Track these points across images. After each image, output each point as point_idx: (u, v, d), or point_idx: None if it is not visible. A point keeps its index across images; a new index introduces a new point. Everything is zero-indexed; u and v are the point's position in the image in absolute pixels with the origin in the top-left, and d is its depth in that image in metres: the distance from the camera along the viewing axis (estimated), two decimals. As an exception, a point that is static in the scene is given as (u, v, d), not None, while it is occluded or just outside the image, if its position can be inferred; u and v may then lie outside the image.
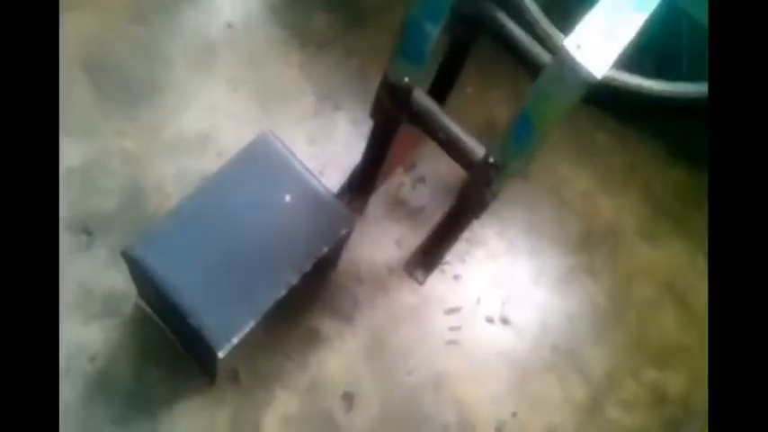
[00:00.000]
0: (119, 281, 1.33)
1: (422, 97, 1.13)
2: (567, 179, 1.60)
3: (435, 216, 1.40)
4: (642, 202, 1.62)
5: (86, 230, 1.38)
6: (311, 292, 1.39)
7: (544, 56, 1.10)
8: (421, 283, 1.45)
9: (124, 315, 1.34)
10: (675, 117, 1.64)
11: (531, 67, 1.12)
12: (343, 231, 1.20)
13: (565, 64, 0.82)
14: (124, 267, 1.20)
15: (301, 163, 1.23)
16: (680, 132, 1.67)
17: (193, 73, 1.55)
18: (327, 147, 1.53)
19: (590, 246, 1.56)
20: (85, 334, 1.31)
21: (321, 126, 1.55)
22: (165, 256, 1.13)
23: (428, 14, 0.96)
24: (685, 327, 1.52)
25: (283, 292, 1.14)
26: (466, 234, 1.44)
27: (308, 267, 1.16)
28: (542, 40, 1.49)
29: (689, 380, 1.48)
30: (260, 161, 1.22)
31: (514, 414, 1.40)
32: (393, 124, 1.23)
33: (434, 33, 0.98)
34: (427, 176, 1.53)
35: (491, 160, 1.05)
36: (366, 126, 1.32)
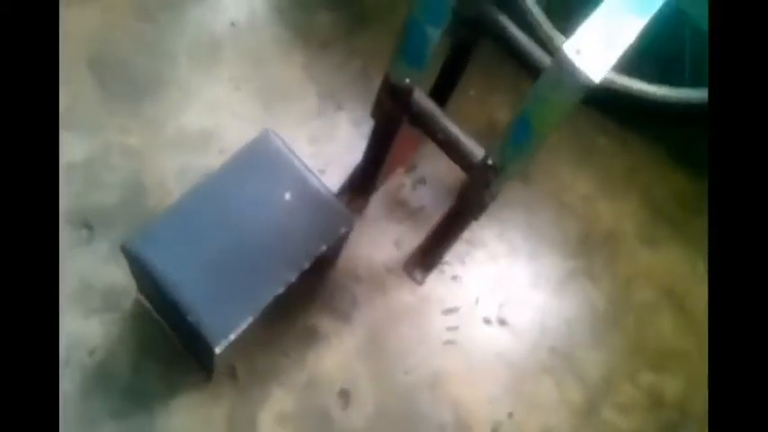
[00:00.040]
0: (119, 275, 1.34)
1: (422, 98, 1.14)
2: (567, 182, 1.61)
3: (435, 217, 1.41)
4: (642, 207, 1.63)
5: (87, 225, 1.39)
6: (310, 290, 1.40)
7: (545, 59, 1.11)
8: (419, 283, 1.45)
9: (124, 310, 1.35)
10: (676, 122, 1.64)
11: (531, 70, 1.13)
12: (342, 230, 1.21)
13: (563, 68, 0.83)
14: (124, 262, 1.21)
15: (302, 162, 1.24)
16: (681, 138, 1.67)
17: (197, 70, 1.55)
18: (329, 146, 1.54)
19: (589, 249, 1.57)
20: (85, 327, 1.32)
21: (323, 125, 1.55)
22: (165, 251, 1.14)
23: (429, 17, 0.97)
24: (683, 331, 1.52)
25: (281, 290, 1.15)
26: (466, 235, 1.45)
27: (306, 265, 1.16)
28: (544, 42, 1.50)
29: (686, 384, 1.48)
30: (261, 159, 1.23)
31: (510, 415, 1.40)
32: (393, 125, 1.23)
33: (435, 36, 0.99)
34: (427, 177, 1.54)
35: (490, 162, 1.06)
36: (367, 126, 1.33)
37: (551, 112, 0.90)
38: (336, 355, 1.40)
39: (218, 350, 1.11)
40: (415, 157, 1.53)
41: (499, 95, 1.63)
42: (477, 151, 1.11)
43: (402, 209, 1.52)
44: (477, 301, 1.48)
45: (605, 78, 1.50)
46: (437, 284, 1.47)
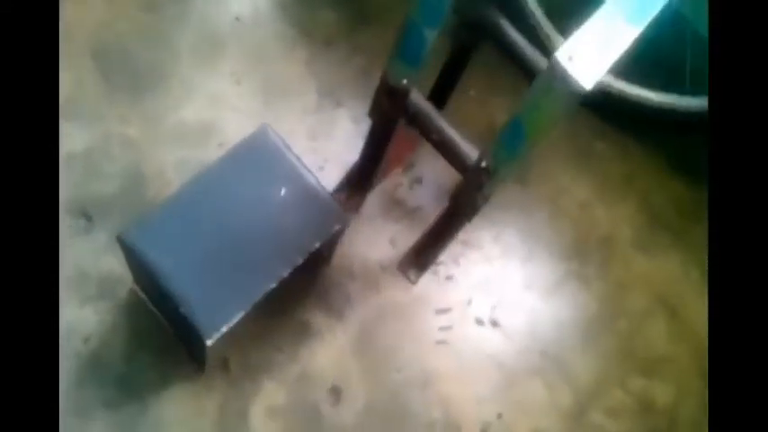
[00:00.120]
0: (115, 265, 1.35)
1: (419, 99, 1.14)
2: (565, 187, 1.61)
3: (431, 217, 1.41)
4: (639, 213, 1.63)
5: (86, 214, 1.41)
6: (304, 286, 1.41)
7: (542, 63, 1.12)
8: (413, 282, 1.46)
9: (119, 299, 1.36)
10: (675, 130, 1.64)
11: (529, 74, 1.13)
12: (336, 228, 1.22)
13: (555, 74, 0.83)
14: (121, 252, 1.23)
15: (298, 158, 1.25)
16: (680, 145, 1.67)
17: (199, 64, 1.56)
18: (328, 143, 1.54)
19: (584, 254, 1.57)
20: (80, 316, 1.34)
21: (322, 122, 1.56)
22: (159, 243, 1.15)
23: (427, 19, 0.97)
24: (676, 338, 1.53)
25: (274, 285, 1.16)
26: (461, 236, 1.45)
27: (299, 261, 1.17)
28: (545, 45, 1.50)
29: (676, 391, 1.48)
30: (257, 154, 1.24)
31: (500, 416, 1.41)
32: (391, 125, 1.24)
33: (432, 37, 1.00)
34: (424, 177, 1.55)
35: (483, 165, 1.07)
36: (367, 124, 1.33)
37: (543, 117, 0.91)
38: (329, 351, 1.41)
39: (209, 342, 1.12)
40: (413, 156, 1.54)
41: (500, 97, 1.63)
42: (471, 153, 1.12)
43: (398, 208, 1.53)
44: (469, 302, 1.48)
45: (606, 84, 1.52)
46: (431, 284, 1.48)
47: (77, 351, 1.31)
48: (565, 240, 1.57)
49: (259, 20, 1.64)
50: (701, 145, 1.60)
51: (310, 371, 1.38)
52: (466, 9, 1.17)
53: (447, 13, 0.97)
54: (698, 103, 1.51)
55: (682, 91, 1.52)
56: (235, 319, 1.13)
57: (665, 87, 1.53)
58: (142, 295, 1.36)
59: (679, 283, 1.57)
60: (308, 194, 1.22)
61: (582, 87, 0.82)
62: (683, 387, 1.49)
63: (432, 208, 1.48)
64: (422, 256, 1.44)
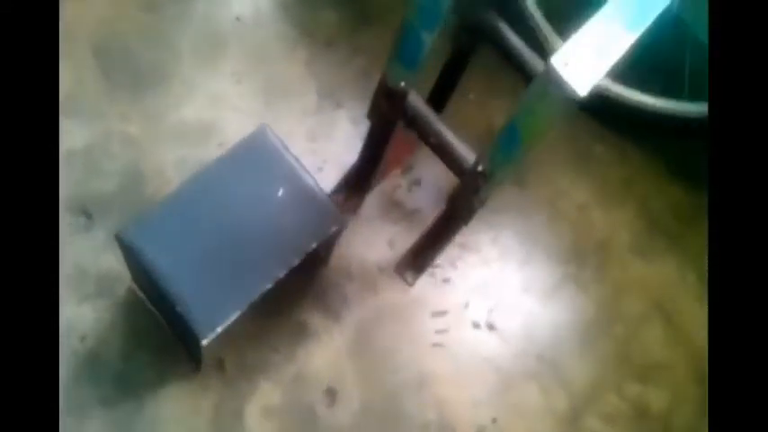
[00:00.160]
0: (114, 264, 1.35)
1: (417, 102, 1.15)
2: (563, 190, 1.61)
3: (429, 219, 1.42)
4: (638, 218, 1.63)
5: (86, 212, 1.41)
6: (301, 286, 1.41)
7: (540, 67, 1.11)
8: (410, 284, 1.46)
9: (117, 297, 1.37)
10: (674, 135, 1.64)
11: (528, 78, 1.13)
12: (333, 229, 1.22)
13: (551, 80, 0.83)
14: (120, 251, 1.23)
15: (296, 159, 1.25)
16: (679, 150, 1.67)
17: (200, 63, 1.57)
18: (327, 144, 1.55)
19: (582, 257, 1.57)
20: (78, 313, 1.34)
21: (322, 123, 1.56)
22: (157, 242, 1.16)
23: (424, 22, 0.98)
24: (672, 344, 1.53)
25: (270, 285, 1.16)
26: (459, 239, 1.46)
27: (295, 262, 1.18)
28: (544, 47, 1.51)
29: (671, 397, 1.48)
30: (256, 155, 1.24)
31: (494, 420, 1.41)
32: (389, 126, 1.25)
33: (430, 40, 1.00)
34: (423, 179, 1.55)
35: (480, 168, 1.07)
36: (366, 125, 1.34)
37: (539, 122, 0.91)
38: (325, 352, 1.41)
39: (204, 342, 1.13)
40: (412, 158, 1.54)
41: (499, 99, 1.63)
42: (468, 156, 1.12)
43: (397, 210, 1.53)
44: (466, 305, 1.49)
45: (604, 88, 1.52)
46: (428, 287, 1.48)
47: (74, 349, 1.32)
48: (563, 243, 1.57)
49: (260, 20, 1.64)
50: (700, 150, 1.60)
51: (306, 371, 1.38)
52: (465, 12, 1.17)
53: (444, 16, 0.97)
54: (697, 108, 1.51)
55: (681, 96, 1.52)
56: (231, 319, 1.14)
57: (664, 92, 1.53)
58: (140, 294, 1.37)
59: (675, 289, 1.57)
60: (305, 195, 1.23)
61: (577, 93, 0.83)
62: (679, 393, 1.49)
63: (430, 210, 1.48)
64: (419, 258, 1.44)
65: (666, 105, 1.52)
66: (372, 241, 1.49)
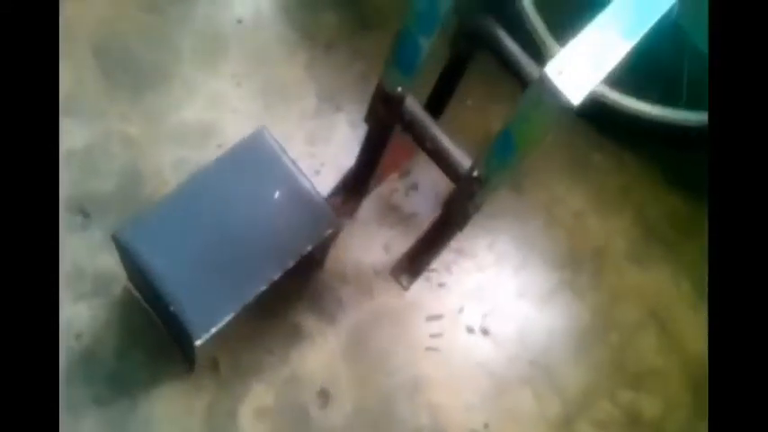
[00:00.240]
0: (110, 263, 1.36)
1: (414, 107, 1.15)
2: (560, 197, 1.62)
3: (425, 223, 1.42)
4: (634, 226, 1.63)
5: (83, 211, 1.42)
6: (296, 288, 1.42)
7: (537, 74, 1.12)
8: (405, 288, 1.47)
9: (113, 296, 1.37)
10: (670, 144, 1.64)
11: (525, 84, 1.14)
12: (328, 232, 1.23)
13: (545, 88, 0.84)
14: (116, 250, 1.24)
15: (294, 162, 1.26)
16: (676, 159, 1.67)
17: (200, 65, 1.58)
18: (325, 147, 1.55)
19: (578, 264, 1.58)
20: (74, 312, 1.35)
21: (321, 126, 1.57)
22: (153, 242, 1.16)
23: (422, 28, 0.98)
24: (665, 352, 1.53)
25: (264, 287, 1.17)
26: (455, 244, 1.46)
27: (290, 264, 1.18)
28: (542, 53, 1.51)
29: (664, 404, 1.49)
30: (253, 157, 1.25)
31: (487, 425, 1.41)
32: (387, 131, 1.25)
33: (427, 46, 1.00)
34: (420, 184, 1.55)
35: (475, 174, 1.07)
36: (364, 129, 1.34)
37: (533, 129, 0.91)
38: (319, 354, 1.41)
39: (198, 342, 1.13)
40: (410, 163, 1.55)
41: (497, 105, 1.63)
42: (464, 162, 1.13)
43: (394, 213, 1.53)
44: (461, 310, 1.49)
45: (602, 95, 1.52)
46: (423, 291, 1.48)
47: (70, 347, 1.33)
48: (559, 249, 1.58)
49: (261, 22, 1.65)
50: (697, 159, 1.62)
51: (300, 373, 1.39)
52: (463, 18, 1.18)
53: (442, 22, 0.97)
54: (694, 116, 1.51)
55: (678, 104, 1.52)
56: (224, 320, 1.14)
57: (661, 100, 1.53)
58: (136, 293, 1.37)
59: (670, 297, 1.58)
60: (301, 198, 1.23)
61: (570, 102, 0.83)
62: (671, 401, 1.49)
63: (427, 215, 1.48)
64: (415, 262, 1.44)
65: (664, 113, 1.53)
66: (368, 245, 1.50)
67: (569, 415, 1.45)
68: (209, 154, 1.42)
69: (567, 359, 1.49)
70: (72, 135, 1.46)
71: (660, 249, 1.62)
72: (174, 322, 1.15)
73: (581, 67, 0.85)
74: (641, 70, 1.29)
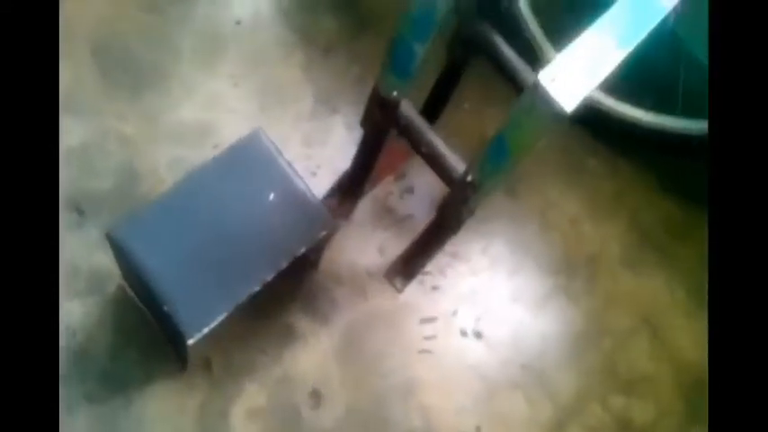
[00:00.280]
0: (105, 261, 1.36)
1: (409, 111, 1.16)
2: (554, 201, 1.62)
3: (420, 226, 1.42)
4: (629, 231, 1.64)
5: (78, 209, 1.42)
6: (290, 289, 1.42)
7: (532, 80, 1.13)
8: (399, 290, 1.47)
9: (107, 294, 1.38)
10: (665, 151, 1.65)
11: (520, 91, 1.15)
12: (323, 233, 1.23)
13: (537, 95, 0.84)
14: (111, 248, 1.24)
15: (289, 164, 1.26)
16: (671, 165, 1.68)
17: (199, 65, 1.58)
18: (322, 149, 1.56)
19: (572, 269, 1.58)
20: (68, 309, 1.35)
21: (317, 128, 1.58)
22: (147, 241, 1.17)
23: (417, 34, 0.99)
24: (657, 358, 1.53)
25: (258, 288, 1.17)
26: (449, 248, 1.47)
27: (284, 265, 1.19)
28: (539, 59, 1.52)
29: (655, 411, 1.49)
30: (249, 157, 1.25)
31: (478, 428, 1.42)
32: (382, 135, 1.26)
33: (422, 51, 1.01)
34: (416, 187, 1.56)
35: (469, 178, 1.08)
36: (361, 132, 1.34)
37: (526, 135, 0.92)
38: (312, 355, 1.42)
39: (190, 342, 1.14)
40: (405, 166, 1.55)
41: (494, 109, 1.63)
42: (458, 166, 1.13)
43: (389, 216, 1.54)
44: (455, 313, 1.49)
45: (597, 102, 1.53)
46: (417, 294, 1.49)
47: (63, 344, 1.33)
48: (554, 254, 1.58)
49: (260, 24, 1.65)
50: (693, 166, 1.62)
51: (292, 374, 1.39)
52: (459, 24, 1.18)
53: (437, 28, 0.98)
54: (689, 124, 1.52)
55: (674, 112, 1.53)
56: (217, 320, 1.14)
57: (657, 107, 1.54)
58: (130, 291, 1.38)
59: (664, 303, 1.58)
60: (296, 199, 1.24)
61: (563, 110, 0.84)
62: (663, 407, 1.49)
63: (422, 218, 1.49)
64: (409, 265, 1.45)
65: (659, 121, 1.53)
66: (363, 247, 1.50)
67: (561, 420, 1.45)
68: (205, 154, 1.42)
69: (559, 364, 1.50)
70: (69, 133, 1.46)
71: (654, 255, 1.62)
72: (168, 321, 1.15)
73: (574, 74, 0.86)
74: (637, 77, 1.30)
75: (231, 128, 1.51)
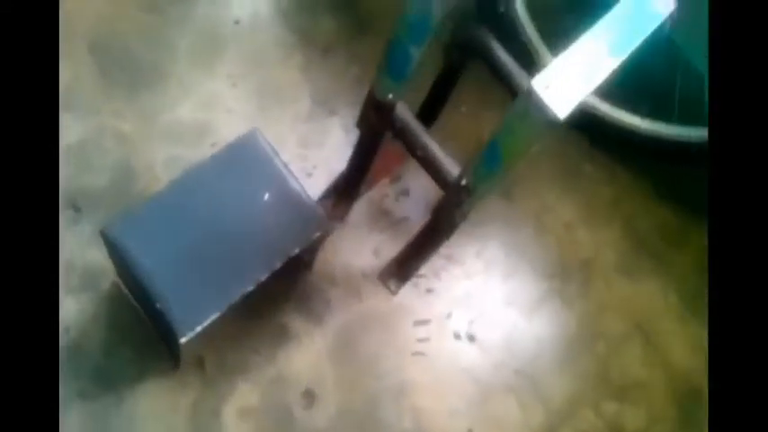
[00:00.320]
0: (99, 258, 1.36)
1: (405, 114, 1.16)
2: (550, 206, 1.63)
3: (415, 229, 1.42)
4: (624, 237, 1.64)
5: (74, 206, 1.42)
6: (284, 289, 1.42)
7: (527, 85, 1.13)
8: (394, 293, 1.47)
9: (101, 292, 1.38)
10: (660, 158, 1.65)
11: (515, 96, 1.15)
12: (316, 235, 1.23)
13: (531, 102, 0.85)
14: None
15: (285, 164, 1.27)
16: (667, 171, 1.68)
17: (197, 65, 1.59)
18: (318, 150, 1.56)
19: (566, 274, 1.58)
20: (62, 306, 1.35)
21: (314, 129, 1.58)
22: (141, 239, 1.17)
23: (413, 38, 0.99)
24: (650, 364, 1.54)
25: (251, 288, 1.18)
26: (445, 250, 1.47)
27: (277, 266, 1.19)
28: (536, 63, 1.52)
29: (647, 417, 1.49)
30: (245, 157, 1.25)
31: (470, 431, 1.42)
32: (378, 137, 1.26)
33: (418, 55, 1.01)
34: (411, 190, 1.56)
35: (463, 182, 1.08)
36: (357, 134, 1.35)
37: (518, 141, 0.92)
38: (306, 355, 1.42)
39: (183, 340, 1.14)
40: (401, 169, 1.56)
41: (491, 113, 1.63)
42: (453, 170, 1.13)
43: (384, 218, 1.54)
44: (449, 316, 1.50)
45: (594, 108, 1.53)
46: (411, 296, 1.49)
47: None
48: (548, 259, 1.58)
49: (259, 24, 1.66)
50: (689, 173, 1.62)
51: (286, 374, 1.40)
52: (456, 28, 1.19)
53: (433, 32, 0.98)
54: (686, 132, 1.52)
55: (671, 119, 1.53)
56: (210, 319, 1.15)
57: (653, 114, 1.54)
58: (124, 289, 1.38)
59: (658, 310, 1.58)
60: (291, 200, 1.24)
61: (556, 116, 0.84)
62: (655, 413, 1.50)
63: (417, 220, 1.48)
64: (403, 267, 1.45)
65: (655, 128, 1.54)
66: (358, 248, 1.51)
67: (553, 424, 1.45)
68: (202, 153, 1.43)
69: (552, 368, 1.50)
70: (66, 130, 1.47)
71: (649, 262, 1.63)
72: (160, 319, 1.16)
73: (568, 81, 0.86)
74: (634, 84, 1.30)
75: (229, 128, 1.51)
